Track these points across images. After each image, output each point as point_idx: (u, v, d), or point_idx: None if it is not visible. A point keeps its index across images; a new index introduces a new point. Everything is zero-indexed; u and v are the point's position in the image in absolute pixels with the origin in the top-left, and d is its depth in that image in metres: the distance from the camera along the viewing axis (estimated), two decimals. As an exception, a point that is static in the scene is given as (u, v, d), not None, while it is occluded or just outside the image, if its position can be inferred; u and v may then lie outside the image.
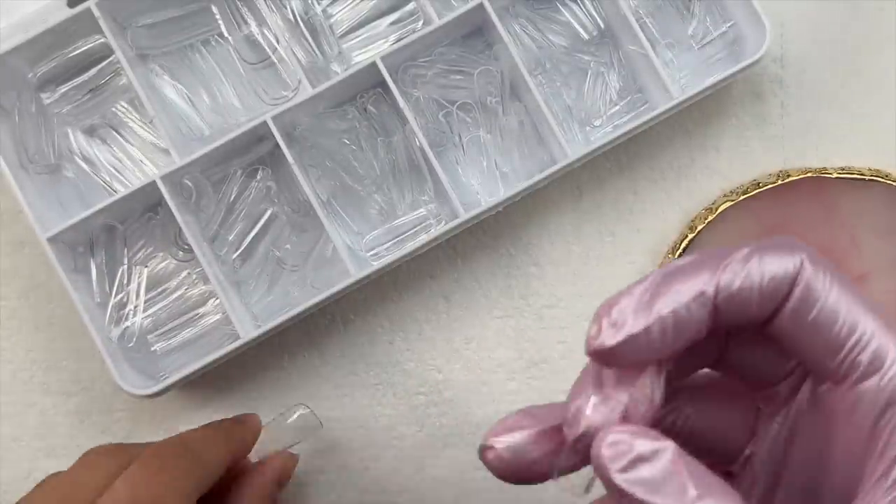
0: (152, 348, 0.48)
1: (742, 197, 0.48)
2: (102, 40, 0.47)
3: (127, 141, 0.49)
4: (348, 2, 0.49)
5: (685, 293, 0.25)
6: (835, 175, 0.48)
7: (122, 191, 0.46)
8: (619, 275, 0.50)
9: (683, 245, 0.48)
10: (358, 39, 0.49)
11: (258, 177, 0.48)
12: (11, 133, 0.47)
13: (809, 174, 0.48)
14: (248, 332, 0.46)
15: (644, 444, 0.24)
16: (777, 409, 0.29)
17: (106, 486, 0.38)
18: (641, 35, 0.47)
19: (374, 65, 0.46)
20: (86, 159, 0.49)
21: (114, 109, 0.49)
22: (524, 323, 0.50)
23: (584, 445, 0.25)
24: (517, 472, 0.27)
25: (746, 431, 0.29)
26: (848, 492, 0.26)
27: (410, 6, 0.49)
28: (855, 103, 0.51)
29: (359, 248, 0.48)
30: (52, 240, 0.45)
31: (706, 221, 0.48)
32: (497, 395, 0.50)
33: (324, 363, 0.50)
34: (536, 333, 0.50)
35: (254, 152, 0.48)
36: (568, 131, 0.49)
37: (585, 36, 0.49)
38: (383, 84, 0.47)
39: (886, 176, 0.48)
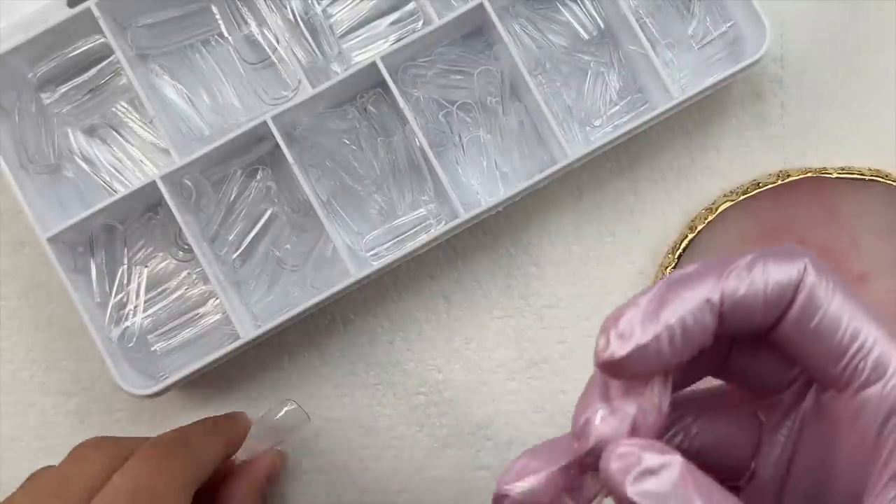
0: (152, 348, 0.48)
1: (742, 197, 0.48)
2: (102, 40, 0.47)
3: (127, 141, 0.49)
4: (348, 2, 0.49)
5: (691, 301, 0.25)
6: (835, 175, 0.48)
7: (122, 191, 0.46)
8: (619, 275, 0.50)
9: (683, 245, 0.48)
10: (358, 39, 0.49)
11: (258, 177, 0.48)
12: (11, 133, 0.47)
13: (809, 174, 0.48)
14: (248, 332, 0.46)
15: (652, 458, 0.24)
16: (781, 418, 0.29)
17: (97, 479, 0.38)
18: (641, 35, 0.47)
19: (374, 65, 0.46)
20: (86, 159, 0.49)
21: (114, 109, 0.49)
22: (524, 323, 0.50)
23: (593, 458, 0.25)
24: None
25: (751, 446, 0.29)
26: (853, 499, 0.26)
27: (410, 6, 0.49)
28: (855, 103, 0.51)
29: (359, 248, 0.48)
30: (52, 240, 0.45)
31: (706, 221, 0.48)
32: (497, 395, 0.50)
33: (324, 363, 0.50)
34: (536, 333, 0.50)
35: (254, 152, 0.48)
36: (568, 131, 0.49)
37: (585, 36, 0.49)
38: (383, 84, 0.47)
39: (886, 176, 0.48)
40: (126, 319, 0.47)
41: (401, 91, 0.47)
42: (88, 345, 0.47)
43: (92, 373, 0.49)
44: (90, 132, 0.49)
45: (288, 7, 0.48)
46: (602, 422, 0.25)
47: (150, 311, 0.48)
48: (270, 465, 0.47)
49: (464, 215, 0.46)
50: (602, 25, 0.49)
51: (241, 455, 0.48)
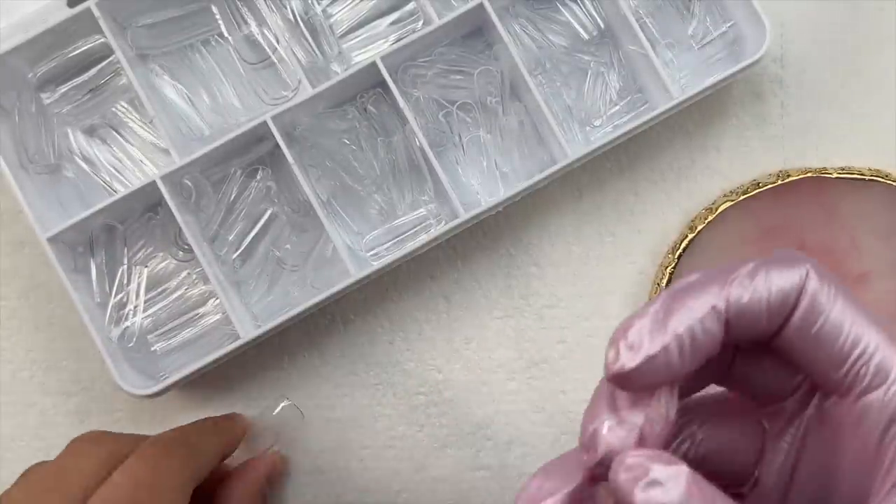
0: (152, 348, 0.48)
1: (742, 197, 0.48)
2: (102, 40, 0.47)
3: (127, 141, 0.49)
4: (348, 2, 0.49)
5: (697, 309, 0.25)
6: (835, 175, 0.48)
7: (122, 191, 0.46)
8: (619, 275, 0.50)
9: (683, 245, 0.48)
10: (358, 39, 0.49)
11: (258, 177, 0.48)
12: (11, 133, 0.47)
13: (809, 174, 0.48)
14: (248, 332, 0.46)
15: (659, 469, 0.24)
16: (784, 425, 0.29)
17: (93, 475, 0.38)
18: (641, 35, 0.47)
19: (374, 65, 0.46)
20: (86, 159, 0.49)
21: (114, 109, 0.49)
22: (524, 323, 0.50)
23: (603, 470, 0.25)
24: None
25: (755, 452, 0.30)
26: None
27: (410, 6, 0.49)
28: (855, 103, 0.51)
29: (359, 248, 0.48)
30: (52, 240, 0.45)
31: (706, 221, 0.48)
32: (497, 395, 0.50)
33: (324, 363, 0.50)
34: (536, 333, 0.50)
35: (254, 152, 0.48)
36: (568, 131, 0.49)
37: (585, 36, 0.49)
38: (383, 84, 0.47)
39: (886, 176, 0.48)
40: (126, 319, 0.47)
41: (401, 91, 0.47)
42: (88, 345, 0.47)
43: (92, 373, 0.49)
44: (90, 132, 0.49)
45: (288, 7, 0.48)
46: (609, 432, 0.25)
47: (150, 311, 0.48)
48: (271, 465, 0.47)
49: (464, 215, 0.46)
50: (602, 25, 0.49)
51: (240, 455, 0.48)
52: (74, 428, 0.49)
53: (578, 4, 0.49)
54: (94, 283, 0.47)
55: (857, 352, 0.25)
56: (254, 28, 0.48)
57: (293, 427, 0.48)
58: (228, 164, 0.48)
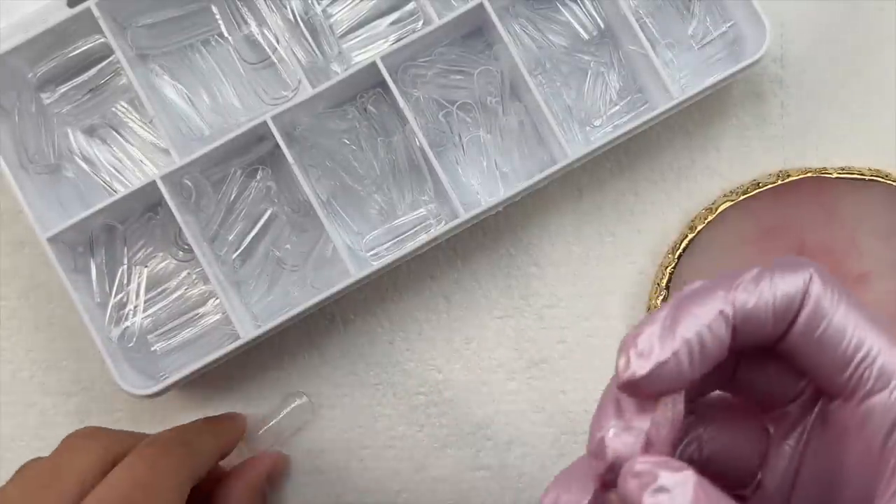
0: (152, 348, 0.48)
1: (742, 197, 0.48)
2: (102, 40, 0.47)
3: (127, 141, 0.49)
4: (348, 2, 0.49)
5: (705, 315, 0.26)
6: (835, 175, 0.48)
7: (122, 191, 0.46)
8: (619, 275, 0.50)
9: (683, 245, 0.48)
10: (358, 39, 0.49)
11: (258, 177, 0.48)
12: (11, 133, 0.47)
13: (809, 174, 0.48)
14: (248, 332, 0.46)
15: (667, 476, 0.24)
16: (788, 430, 0.29)
17: (89, 471, 0.38)
18: (641, 35, 0.47)
19: (374, 65, 0.46)
20: (86, 159, 0.49)
21: (114, 109, 0.49)
22: (524, 323, 0.50)
23: (613, 476, 0.25)
24: None
25: (759, 454, 0.30)
26: None
27: (410, 6, 0.49)
28: (855, 103, 0.51)
29: (359, 248, 0.48)
30: (52, 240, 0.45)
31: (706, 221, 0.48)
32: (497, 395, 0.50)
33: (324, 363, 0.50)
34: (536, 333, 0.50)
35: (254, 152, 0.48)
36: (568, 131, 0.49)
37: (585, 36, 0.49)
38: (383, 84, 0.47)
39: (886, 176, 0.48)
40: (126, 319, 0.47)
41: (401, 91, 0.47)
42: (88, 345, 0.47)
43: (92, 373, 0.49)
44: (90, 132, 0.49)
45: (288, 7, 0.48)
46: (616, 439, 0.26)
47: (150, 311, 0.48)
48: (272, 464, 0.47)
49: (464, 215, 0.46)
50: (602, 25, 0.49)
51: (247, 452, 0.48)
52: (74, 428, 0.49)
53: (578, 4, 0.49)
54: (94, 283, 0.47)
55: (860, 355, 0.26)
56: (254, 28, 0.48)
57: (304, 423, 0.49)
58: (228, 164, 0.48)
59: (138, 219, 0.49)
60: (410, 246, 0.46)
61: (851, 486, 0.26)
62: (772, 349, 0.27)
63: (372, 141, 0.48)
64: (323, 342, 0.50)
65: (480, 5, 0.46)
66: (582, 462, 0.28)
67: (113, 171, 0.49)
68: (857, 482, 0.26)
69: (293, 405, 0.48)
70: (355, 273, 0.46)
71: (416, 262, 0.50)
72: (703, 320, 0.25)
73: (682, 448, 0.30)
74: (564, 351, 0.50)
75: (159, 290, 0.48)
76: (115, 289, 0.47)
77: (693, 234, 0.48)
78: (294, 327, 0.49)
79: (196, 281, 0.48)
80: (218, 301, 0.47)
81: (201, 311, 0.48)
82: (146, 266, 0.48)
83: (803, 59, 0.51)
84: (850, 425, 0.26)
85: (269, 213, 0.48)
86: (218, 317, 0.48)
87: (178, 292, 0.48)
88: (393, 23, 0.49)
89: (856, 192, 0.48)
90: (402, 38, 0.47)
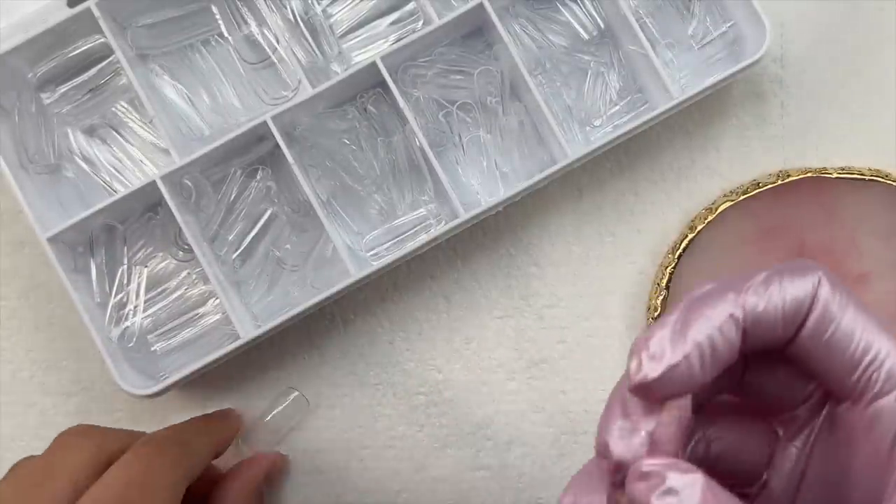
0: (152, 348, 0.48)
1: (742, 197, 0.48)
2: (102, 40, 0.47)
3: (127, 141, 0.49)
4: (348, 2, 0.49)
5: (716, 318, 0.26)
6: (835, 175, 0.48)
7: (122, 191, 0.46)
8: (619, 275, 0.50)
9: (683, 245, 0.48)
10: (358, 39, 0.49)
11: (258, 177, 0.48)
12: (11, 133, 0.47)
13: (809, 174, 0.48)
14: (248, 332, 0.46)
15: (675, 477, 0.24)
16: (795, 432, 0.29)
17: (82, 469, 0.38)
18: (641, 35, 0.47)
19: (374, 65, 0.46)
20: (86, 159, 0.49)
21: (114, 109, 0.49)
22: (524, 323, 0.50)
23: (621, 477, 0.26)
24: None
25: (765, 454, 0.30)
26: None
27: (410, 6, 0.49)
28: (855, 103, 0.51)
29: (359, 248, 0.48)
30: (52, 240, 0.45)
31: (706, 221, 0.48)
32: (497, 395, 0.50)
33: (324, 363, 0.50)
34: (536, 333, 0.50)
35: (254, 152, 0.48)
36: (568, 131, 0.49)
37: (585, 36, 0.49)
38: (383, 84, 0.47)
39: (886, 176, 0.48)
40: (126, 319, 0.47)
41: (401, 91, 0.47)
42: (88, 345, 0.47)
43: (92, 373, 0.49)
44: (90, 132, 0.49)
45: (288, 7, 0.48)
46: (619, 441, 0.26)
47: (150, 311, 0.48)
48: (269, 465, 0.47)
49: (464, 215, 0.46)
50: (602, 25, 0.49)
51: (246, 452, 0.48)
52: (74, 428, 0.49)
53: (578, 4, 0.49)
54: (94, 283, 0.47)
55: (868, 358, 0.26)
56: (254, 28, 0.48)
57: (300, 419, 0.49)
58: (228, 164, 0.48)
59: (138, 219, 0.49)
60: (410, 246, 0.46)
61: (859, 488, 0.27)
62: (780, 353, 0.27)
63: (372, 141, 0.48)
64: (323, 342, 0.50)
65: (480, 5, 0.46)
66: (592, 465, 0.28)
67: (113, 171, 0.49)
68: (864, 484, 0.26)
69: (288, 401, 0.48)
70: (355, 273, 0.46)
71: (416, 262, 0.50)
72: (714, 323, 0.26)
73: (692, 446, 0.30)
74: (564, 351, 0.50)
75: (159, 290, 0.48)
76: (115, 289, 0.47)
77: (693, 234, 0.48)
78: (294, 327, 0.49)
79: (196, 281, 0.48)
80: (218, 301, 0.47)
81: (201, 311, 0.48)
82: (146, 266, 0.48)
83: (803, 59, 0.51)
84: (858, 428, 0.26)
85: (269, 213, 0.48)
86: (218, 317, 0.48)
87: (178, 292, 0.48)
88: (393, 23, 0.49)
89: (856, 192, 0.48)
90: (402, 38, 0.47)
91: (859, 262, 0.48)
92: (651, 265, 0.50)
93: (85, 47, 0.48)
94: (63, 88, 0.49)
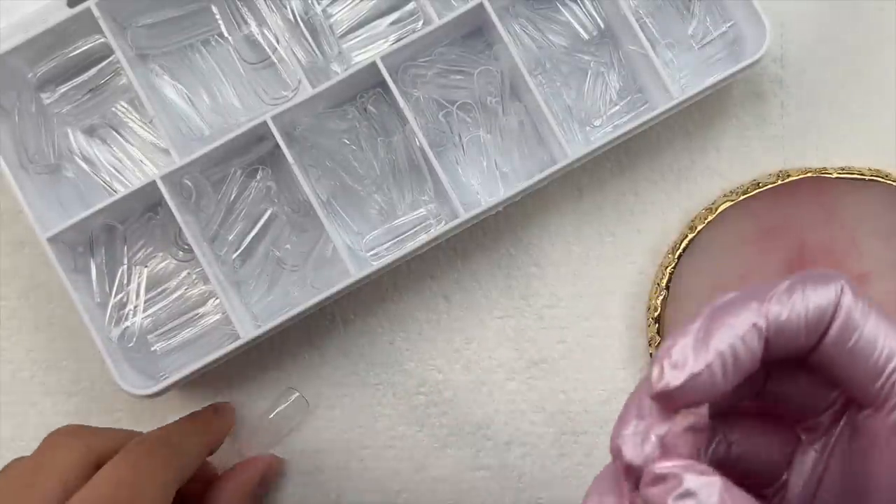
0: (152, 348, 0.48)
1: (742, 197, 0.48)
2: (102, 40, 0.47)
3: (127, 141, 0.49)
4: (348, 2, 0.49)
5: (739, 327, 0.26)
6: (835, 175, 0.48)
7: (122, 191, 0.46)
8: (619, 275, 0.50)
9: (683, 245, 0.48)
10: (358, 39, 0.49)
11: (258, 177, 0.48)
12: (11, 133, 0.47)
13: (809, 174, 0.48)
14: (248, 332, 0.46)
15: (693, 479, 0.24)
16: (817, 437, 0.29)
17: (71, 468, 0.38)
18: (641, 35, 0.47)
19: (374, 65, 0.46)
20: (86, 159, 0.49)
21: (114, 109, 0.49)
22: (524, 323, 0.50)
23: (633, 480, 0.26)
24: None
25: (786, 456, 0.30)
26: None
27: (410, 6, 0.49)
28: (855, 103, 0.51)
29: (359, 248, 0.48)
30: (52, 240, 0.45)
31: (706, 221, 0.48)
32: (497, 395, 0.50)
33: (324, 363, 0.50)
34: (536, 333, 0.50)
35: (254, 152, 0.48)
36: (568, 131, 0.49)
37: (585, 36, 0.49)
38: (383, 84, 0.47)
39: (886, 176, 0.48)
40: (126, 319, 0.47)
41: (401, 91, 0.47)
42: (88, 345, 0.47)
43: (92, 373, 0.49)
44: (90, 132, 0.49)
45: (288, 7, 0.48)
46: (632, 443, 0.26)
47: (150, 311, 0.48)
48: (265, 467, 0.47)
49: (464, 215, 0.46)
50: (602, 25, 0.49)
51: (247, 453, 0.48)
52: (74, 428, 0.49)
53: (578, 4, 0.49)
54: (94, 283, 0.47)
55: (892, 366, 0.26)
56: (254, 28, 0.48)
57: (300, 420, 0.49)
58: (228, 164, 0.48)
59: (138, 219, 0.49)
60: (410, 246, 0.46)
61: (881, 493, 0.27)
62: (803, 361, 0.27)
63: (372, 141, 0.48)
64: (323, 342, 0.50)
65: (480, 5, 0.46)
66: (611, 466, 0.28)
67: (113, 171, 0.49)
68: (885, 491, 0.26)
69: (288, 401, 0.48)
70: (355, 273, 0.46)
71: (416, 262, 0.50)
72: (737, 332, 0.26)
73: (714, 447, 0.30)
74: (564, 351, 0.50)
75: (159, 290, 0.48)
76: (115, 289, 0.47)
77: (693, 234, 0.48)
78: (294, 327, 0.49)
79: (196, 281, 0.48)
80: (218, 301, 0.47)
81: (201, 311, 0.48)
82: (146, 266, 0.48)
83: (803, 59, 0.51)
84: (881, 435, 0.26)
85: (269, 213, 0.48)
86: (218, 317, 0.48)
87: (178, 292, 0.48)
88: (393, 23, 0.49)
89: (856, 192, 0.48)
90: (402, 38, 0.47)
91: (859, 262, 0.48)
92: (651, 265, 0.50)
93: (85, 47, 0.48)
94: (63, 88, 0.49)
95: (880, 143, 0.50)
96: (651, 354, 0.49)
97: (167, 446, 0.40)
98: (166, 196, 0.45)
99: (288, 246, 0.48)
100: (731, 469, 0.26)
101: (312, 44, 0.48)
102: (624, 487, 0.27)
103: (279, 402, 0.49)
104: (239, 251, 0.48)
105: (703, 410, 0.26)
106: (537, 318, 0.50)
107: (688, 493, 0.24)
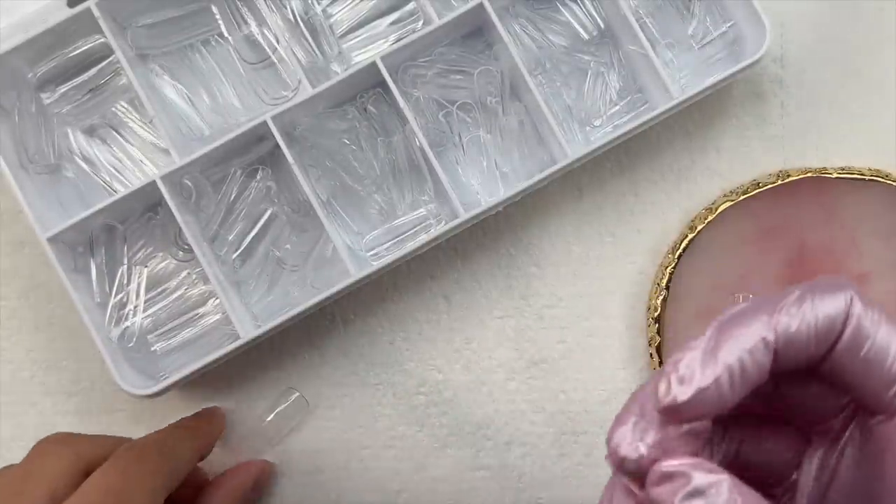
0: (152, 348, 0.48)
1: (742, 197, 0.48)
2: (102, 40, 0.47)
3: (127, 141, 0.49)
4: (348, 2, 0.49)
5: (747, 340, 0.26)
6: (835, 175, 0.48)
7: (122, 191, 0.46)
8: (619, 275, 0.50)
9: (683, 245, 0.48)
10: (358, 39, 0.49)
11: (258, 177, 0.48)
12: (11, 133, 0.47)
13: (809, 174, 0.48)
14: (248, 332, 0.46)
15: (701, 477, 0.24)
16: (828, 440, 0.29)
17: (60, 477, 0.38)
18: (641, 35, 0.47)
19: (374, 65, 0.46)
20: (86, 159, 0.49)
21: (114, 109, 0.49)
22: (524, 323, 0.50)
23: (627, 474, 0.25)
24: None
25: (796, 455, 0.30)
26: None
27: (410, 6, 0.49)
28: (855, 103, 0.51)
29: (359, 248, 0.48)
30: (52, 240, 0.45)
31: (706, 221, 0.48)
32: (497, 395, 0.50)
33: (324, 363, 0.50)
34: (536, 333, 0.50)
35: (254, 152, 0.48)
36: (568, 131, 0.49)
37: (585, 36, 0.49)
38: (383, 84, 0.47)
39: (886, 176, 0.48)
40: (126, 319, 0.47)
41: (401, 91, 0.47)
42: (88, 345, 0.47)
43: (92, 373, 0.49)
44: (90, 132, 0.49)
45: (288, 7, 0.48)
46: (625, 442, 0.26)
47: (150, 311, 0.48)
48: (258, 471, 0.47)
49: (464, 215, 0.46)
50: (602, 25, 0.49)
51: (248, 454, 0.48)
52: (74, 428, 0.49)
53: (578, 4, 0.49)
54: (94, 283, 0.47)
55: None
56: (254, 28, 0.48)
57: (300, 420, 0.49)
58: (228, 164, 0.48)
59: (138, 219, 0.49)
60: (410, 246, 0.46)
61: (893, 500, 0.27)
62: (813, 370, 0.27)
63: (372, 141, 0.48)
64: (323, 342, 0.50)
65: (480, 5, 0.46)
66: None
67: (113, 171, 0.49)
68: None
69: (288, 402, 0.48)
70: (355, 273, 0.46)
71: (416, 262, 0.50)
72: (745, 345, 0.25)
73: (722, 446, 0.30)
74: (564, 351, 0.50)
75: (159, 290, 0.48)
76: (115, 289, 0.47)
77: (693, 234, 0.48)
78: (294, 327, 0.49)
79: (196, 281, 0.48)
80: (218, 301, 0.47)
81: (201, 311, 0.48)
82: (146, 266, 0.48)
83: (803, 59, 0.51)
84: (893, 441, 0.26)
85: (269, 213, 0.48)
86: (218, 317, 0.48)
87: (178, 292, 0.48)
88: (393, 23, 0.49)
89: (856, 192, 0.48)
90: (402, 38, 0.47)
91: (859, 262, 0.48)
92: (651, 265, 0.50)
93: (85, 47, 0.48)
94: (63, 88, 0.49)
95: (880, 143, 0.50)
96: (651, 354, 0.49)
97: (157, 452, 0.40)
98: (166, 196, 0.45)
99: (288, 246, 0.48)
100: (740, 468, 0.26)
101: (312, 44, 0.48)
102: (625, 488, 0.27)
103: (279, 402, 0.49)
104: (239, 251, 0.48)
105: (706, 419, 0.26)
106: (537, 318, 0.50)
107: (696, 492, 0.24)
